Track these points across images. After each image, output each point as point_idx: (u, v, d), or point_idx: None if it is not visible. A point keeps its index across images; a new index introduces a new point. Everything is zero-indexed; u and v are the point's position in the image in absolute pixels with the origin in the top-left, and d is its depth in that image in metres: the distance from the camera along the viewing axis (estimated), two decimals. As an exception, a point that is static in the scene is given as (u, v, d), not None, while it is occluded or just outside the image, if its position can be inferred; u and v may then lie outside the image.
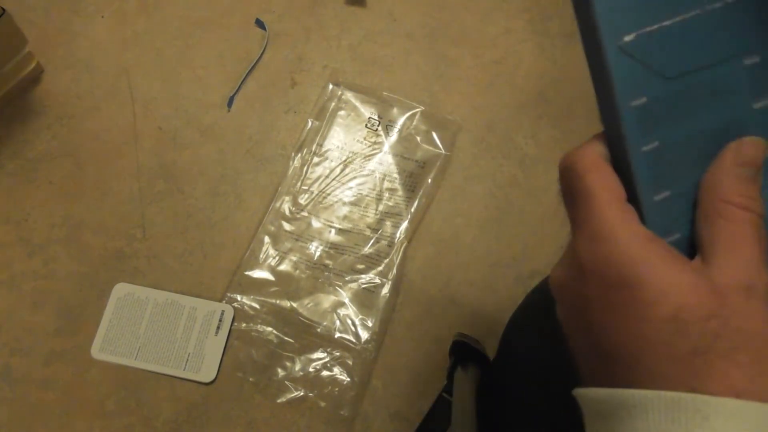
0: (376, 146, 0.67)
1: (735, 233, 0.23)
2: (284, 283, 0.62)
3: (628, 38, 0.25)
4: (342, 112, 0.69)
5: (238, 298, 0.62)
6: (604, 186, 0.25)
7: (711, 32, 0.26)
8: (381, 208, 0.65)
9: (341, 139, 0.68)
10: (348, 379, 0.59)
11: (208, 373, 0.59)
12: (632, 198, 0.25)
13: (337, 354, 0.60)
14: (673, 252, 0.24)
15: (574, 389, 0.25)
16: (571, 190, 0.25)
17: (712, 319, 0.22)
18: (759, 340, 0.22)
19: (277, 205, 0.65)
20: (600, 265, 0.24)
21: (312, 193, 0.65)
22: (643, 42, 0.25)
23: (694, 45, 0.26)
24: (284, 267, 0.63)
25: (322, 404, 0.58)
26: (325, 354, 0.60)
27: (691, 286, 0.23)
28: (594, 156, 0.25)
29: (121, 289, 0.62)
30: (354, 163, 0.66)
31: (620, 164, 0.26)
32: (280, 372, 0.59)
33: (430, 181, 0.65)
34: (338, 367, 0.59)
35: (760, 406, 0.21)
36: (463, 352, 0.55)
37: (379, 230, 0.64)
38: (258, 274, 0.62)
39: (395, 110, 0.68)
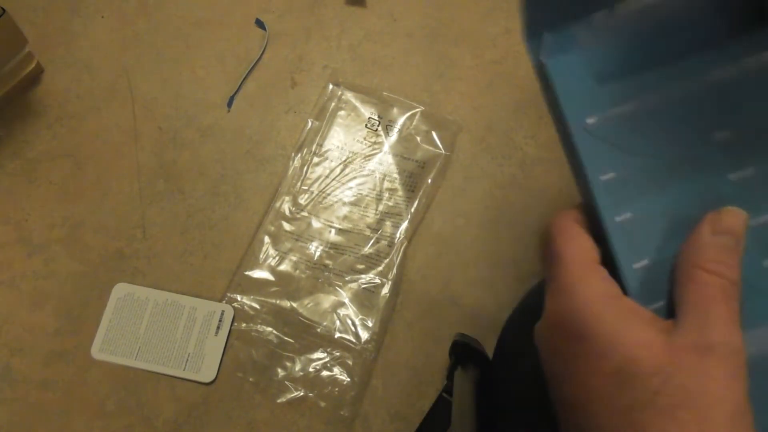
0: (376, 146, 0.67)
1: (702, 296, 0.24)
2: (284, 283, 0.62)
3: (590, 120, 0.26)
4: (342, 112, 0.69)
5: (238, 298, 0.62)
6: (571, 246, 0.26)
7: (675, 114, 0.26)
8: (381, 208, 0.65)
9: (341, 139, 0.68)
10: (348, 379, 0.59)
11: (208, 373, 0.59)
12: (613, 265, 0.26)
13: (337, 354, 0.60)
14: (636, 310, 0.25)
15: None
16: (546, 251, 0.27)
17: (656, 376, 0.22)
18: (707, 399, 0.22)
19: (277, 205, 0.65)
20: (561, 319, 0.25)
21: (312, 193, 0.65)
22: (606, 124, 0.26)
23: (660, 126, 0.26)
24: (284, 267, 0.63)
25: (322, 404, 0.58)
26: (325, 354, 0.60)
27: (643, 342, 0.23)
28: (567, 221, 0.27)
29: (121, 289, 0.62)
30: (354, 163, 0.66)
31: (598, 233, 0.27)
32: (280, 372, 0.59)
33: (430, 181, 0.65)
34: (338, 367, 0.59)
35: None
36: (463, 352, 0.55)
37: (379, 230, 0.64)
38: (258, 274, 0.62)
39: (395, 110, 0.68)
